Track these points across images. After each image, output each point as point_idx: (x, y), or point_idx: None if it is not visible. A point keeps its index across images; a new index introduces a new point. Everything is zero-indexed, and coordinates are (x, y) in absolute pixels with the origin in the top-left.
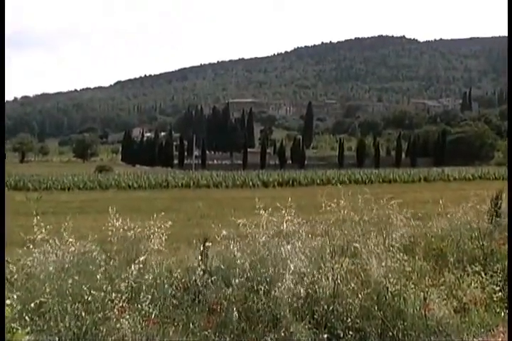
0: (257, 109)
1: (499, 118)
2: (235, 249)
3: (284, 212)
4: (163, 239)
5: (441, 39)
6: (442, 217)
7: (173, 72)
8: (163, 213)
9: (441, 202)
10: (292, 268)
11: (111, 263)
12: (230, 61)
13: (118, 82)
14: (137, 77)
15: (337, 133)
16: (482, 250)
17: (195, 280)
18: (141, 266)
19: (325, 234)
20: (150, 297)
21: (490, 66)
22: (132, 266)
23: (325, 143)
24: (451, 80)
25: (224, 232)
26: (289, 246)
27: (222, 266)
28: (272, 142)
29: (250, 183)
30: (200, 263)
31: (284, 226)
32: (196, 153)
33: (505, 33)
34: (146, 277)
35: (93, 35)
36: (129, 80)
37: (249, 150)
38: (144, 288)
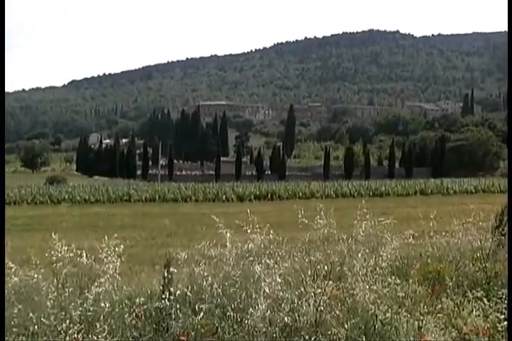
0: (232, 112)
1: (505, 124)
2: (205, 271)
3: (261, 229)
4: (123, 261)
5: (439, 34)
6: (440, 236)
7: (136, 70)
8: (123, 231)
9: (439, 218)
10: (268, 292)
11: (62, 289)
12: (201, 58)
13: (72, 82)
14: (95, 75)
15: (322, 140)
16: (485, 273)
17: (159, 308)
18: (97, 291)
19: (307, 254)
20: (107, 327)
21: (494, 65)
22: (86, 293)
23: (308, 151)
24: (450, 81)
25: (193, 252)
26: (264, 268)
27: (189, 291)
28: (249, 150)
29: (224, 197)
30: (165, 288)
31: (261, 245)
32: (162, 162)
33: None
34: (103, 305)
35: (43, 28)
36: (86, 79)
37: (222, 159)
38: (100, 317)
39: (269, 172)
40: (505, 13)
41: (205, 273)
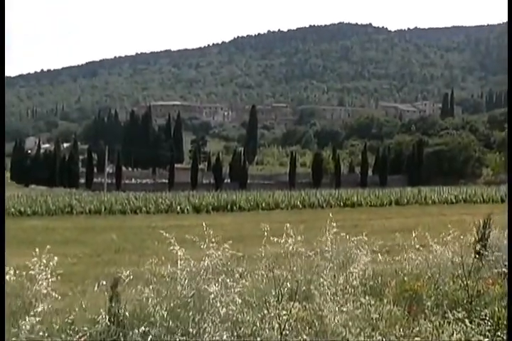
0: (187, 114)
1: (488, 126)
2: (155, 292)
3: (219, 244)
4: (64, 281)
5: (416, 28)
6: (417, 250)
7: (79, 66)
8: (65, 247)
9: (416, 230)
10: (225, 314)
11: None
12: (153, 53)
13: (6, 78)
14: (32, 72)
15: (287, 145)
16: (466, 291)
17: (102, 334)
18: (32, 318)
19: (270, 272)
20: None
21: (476, 62)
22: (21, 321)
23: (272, 157)
24: (428, 79)
25: (143, 271)
26: (222, 287)
27: (137, 315)
28: (206, 156)
29: (178, 208)
30: (111, 311)
31: (219, 261)
32: (109, 169)
33: (495, 22)
34: (41, 334)
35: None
36: (21, 76)
37: (176, 165)
38: None
39: (229, 180)
40: (491, 5)
41: (156, 294)
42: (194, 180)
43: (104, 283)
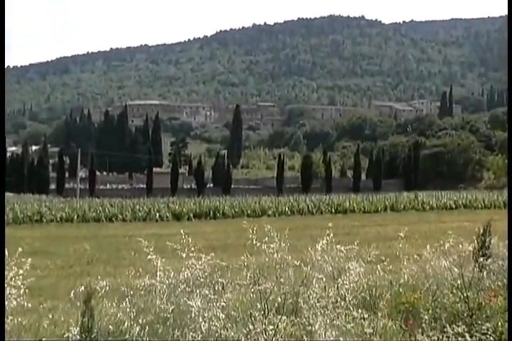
0: (166, 114)
1: (489, 127)
2: (132, 306)
3: (201, 253)
4: (32, 295)
5: (412, 21)
6: (414, 260)
7: (49, 62)
8: (34, 258)
9: (413, 238)
10: (207, 330)
11: None
12: (129, 49)
13: None
14: None
15: (274, 147)
16: (467, 304)
17: None
18: None
19: (256, 284)
20: None
21: (477, 57)
22: None
23: (258, 160)
24: (425, 76)
25: (119, 283)
26: (204, 301)
27: (113, 331)
28: (187, 159)
29: (157, 215)
30: (84, 328)
31: (201, 273)
32: (82, 174)
33: (497, 14)
34: None
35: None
36: None
37: (155, 170)
38: None
39: (212, 185)
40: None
41: (133, 309)
42: (174, 185)
43: (77, 296)
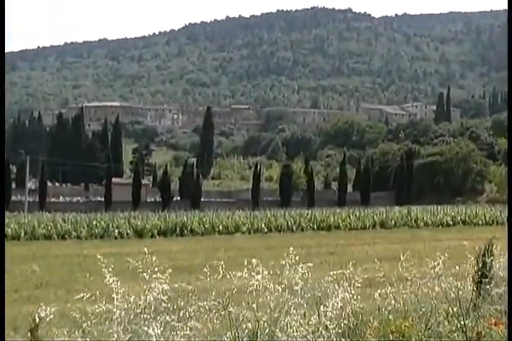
0: (128, 117)
1: (491, 133)
2: (85, 335)
3: (165, 275)
4: None
5: (405, 14)
6: (406, 283)
7: None
8: None
9: (404, 259)
10: None
11: None
12: (86, 43)
13: None
14: None
15: (250, 155)
16: (464, 333)
17: None
18: None
19: (226, 310)
20: None
21: (477, 55)
22: None
23: (232, 170)
24: (420, 76)
25: (71, 309)
26: (166, 329)
27: None
28: (151, 168)
29: (116, 232)
30: None
31: (163, 297)
32: (31, 185)
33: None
34: None
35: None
36: None
37: (114, 180)
38: None
39: (179, 198)
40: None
41: (85, 338)
42: (136, 198)
43: (22, 325)
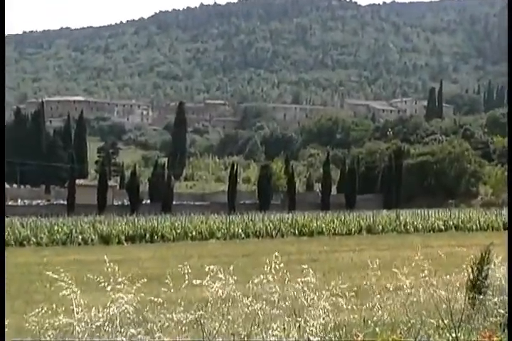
0: (93, 113)
1: (487, 131)
2: None
3: (132, 285)
4: None
5: (393, 2)
6: (393, 294)
7: None
8: None
9: (392, 267)
10: None
11: None
12: (46, 32)
13: None
14: None
15: (226, 155)
16: None
17: None
18: None
19: (198, 323)
20: None
21: (472, 47)
22: None
23: (206, 170)
24: (410, 69)
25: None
26: None
27: None
28: (119, 169)
29: (80, 238)
30: None
31: (128, 309)
32: None
33: None
34: None
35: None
36: None
37: (78, 182)
38: None
39: (149, 201)
40: None
41: None
42: (102, 201)
43: None
